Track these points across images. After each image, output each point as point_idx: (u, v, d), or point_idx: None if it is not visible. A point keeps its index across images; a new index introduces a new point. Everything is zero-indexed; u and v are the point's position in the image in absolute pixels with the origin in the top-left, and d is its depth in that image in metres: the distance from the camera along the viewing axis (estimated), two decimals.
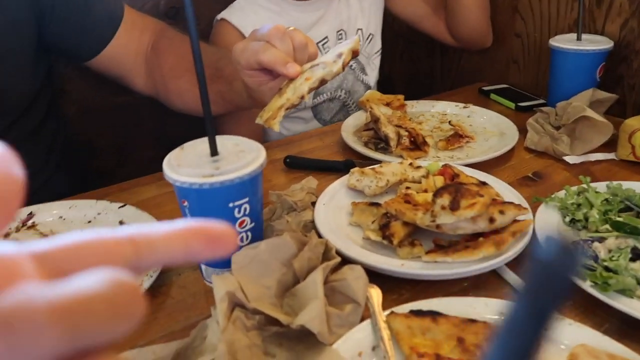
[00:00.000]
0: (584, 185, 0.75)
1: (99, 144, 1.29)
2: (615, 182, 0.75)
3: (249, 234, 0.59)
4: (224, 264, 0.60)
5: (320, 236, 0.66)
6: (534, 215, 0.69)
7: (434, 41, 1.39)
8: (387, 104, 1.09)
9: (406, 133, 0.94)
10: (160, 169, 0.91)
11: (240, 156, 0.57)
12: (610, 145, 0.91)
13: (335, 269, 0.58)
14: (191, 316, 0.60)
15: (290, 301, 0.55)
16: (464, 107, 1.12)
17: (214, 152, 0.57)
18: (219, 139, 0.58)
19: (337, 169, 0.89)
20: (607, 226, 0.67)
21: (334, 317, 0.52)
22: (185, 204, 0.57)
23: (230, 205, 0.55)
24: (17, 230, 0.74)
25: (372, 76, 1.27)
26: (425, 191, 0.73)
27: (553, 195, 0.74)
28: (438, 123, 1.08)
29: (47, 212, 0.76)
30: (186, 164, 0.56)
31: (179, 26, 1.33)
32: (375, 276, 0.60)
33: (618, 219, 0.65)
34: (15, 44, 0.80)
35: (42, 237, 0.72)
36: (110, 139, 1.30)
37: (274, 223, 0.68)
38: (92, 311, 0.16)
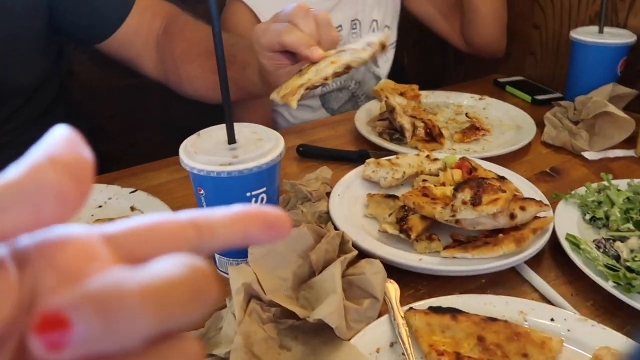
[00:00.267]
0: (605, 183, 0.73)
1: (107, 126, 1.27)
2: (637, 180, 0.74)
3: None
4: (238, 254, 0.59)
5: (336, 228, 0.65)
6: (553, 212, 0.68)
7: None
8: (401, 94, 1.07)
9: (422, 124, 0.92)
10: (169, 153, 0.90)
11: (258, 144, 0.56)
12: (629, 141, 0.89)
13: (352, 262, 0.57)
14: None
15: (306, 294, 0.54)
16: (480, 99, 1.10)
17: (231, 139, 0.56)
18: (236, 126, 0.57)
19: (350, 159, 0.88)
20: (629, 225, 0.65)
21: (351, 312, 0.51)
22: (202, 191, 0.55)
23: (248, 194, 0.54)
24: None
25: (384, 68, 1.25)
26: (443, 184, 0.71)
27: (573, 192, 0.72)
28: (453, 114, 1.06)
29: None
30: (203, 151, 0.54)
31: (190, 8, 1.31)
32: (391, 270, 0.58)
33: None
34: (28, 27, 0.78)
35: None
36: (119, 122, 1.29)
37: (288, 213, 0.67)
38: (178, 295, 0.17)
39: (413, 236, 0.62)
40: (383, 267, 0.55)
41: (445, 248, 0.61)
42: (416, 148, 0.89)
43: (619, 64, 1.01)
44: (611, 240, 0.63)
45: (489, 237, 0.62)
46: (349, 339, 0.49)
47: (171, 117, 1.28)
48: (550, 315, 0.52)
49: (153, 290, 0.16)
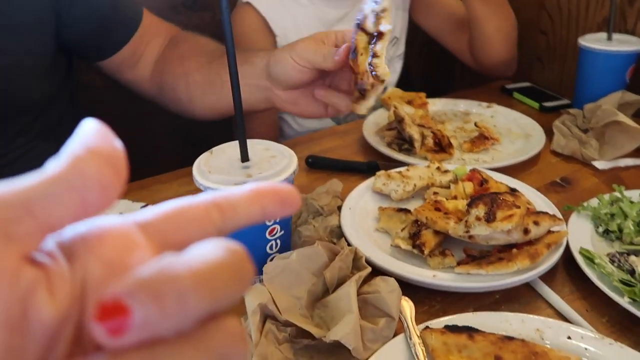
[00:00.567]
0: (617, 194, 0.73)
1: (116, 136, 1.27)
2: None
3: (279, 241, 0.58)
4: None
5: (348, 243, 0.65)
6: (566, 225, 0.68)
7: None
8: (409, 102, 1.07)
9: (430, 134, 0.92)
10: (176, 164, 0.90)
11: (271, 162, 0.56)
12: None
13: (366, 278, 0.57)
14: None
15: (321, 312, 0.54)
16: (487, 107, 1.10)
17: (244, 157, 0.56)
18: (249, 143, 0.57)
19: (360, 170, 0.88)
20: None
21: (367, 332, 0.51)
22: None
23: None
24: None
25: (390, 79, 1.25)
26: (455, 197, 0.71)
27: (585, 204, 0.72)
28: (461, 123, 1.06)
29: None
30: (216, 170, 0.54)
31: (197, 16, 1.31)
32: (405, 286, 0.58)
33: None
34: (36, 43, 0.78)
35: None
36: (123, 129, 1.28)
37: (300, 228, 0.66)
38: (224, 277, 0.18)
39: (426, 252, 0.62)
40: (398, 285, 0.54)
41: (458, 263, 0.61)
42: (425, 158, 0.89)
43: (628, 71, 1.00)
44: (625, 254, 0.63)
45: (503, 252, 0.62)
46: None
47: (179, 125, 1.28)
48: (567, 334, 0.52)
49: (202, 274, 0.17)
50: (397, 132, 0.94)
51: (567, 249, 0.64)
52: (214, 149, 0.59)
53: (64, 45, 0.84)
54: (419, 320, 0.54)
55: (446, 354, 0.49)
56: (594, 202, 0.73)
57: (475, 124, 0.98)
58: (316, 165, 0.90)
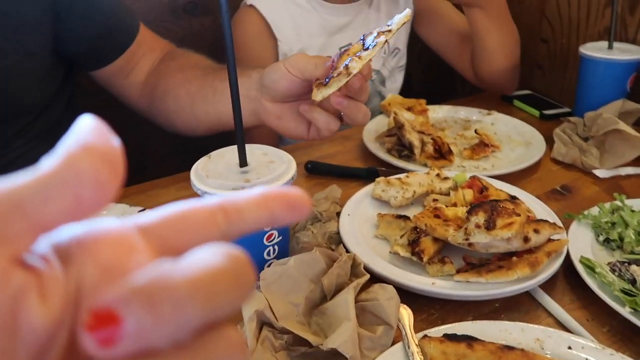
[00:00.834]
0: (618, 203, 0.72)
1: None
2: None
3: (276, 247, 0.57)
4: None
5: (347, 249, 0.64)
6: (566, 233, 0.67)
7: None
8: (409, 109, 1.07)
9: (430, 140, 0.92)
10: (174, 168, 0.90)
11: (270, 167, 0.55)
12: None
13: (365, 285, 0.56)
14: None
15: (318, 320, 0.53)
16: (488, 114, 1.10)
17: (243, 162, 0.55)
18: (247, 148, 0.56)
19: (359, 176, 0.87)
20: None
21: (365, 340, 0.50)
22: None
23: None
24: None
25: (391, 90, 1.24)
26: (455, 205, 0.71)
27: (586, 212, 0.71)
28: (461, 130, 1.06)
29: None
30: (214, 175, 0.54)
31: (197, 20, 1.31)
32: (404, 293, 0.58)
33: None
34: (36, 47, 0.78)
35: None
36: (121, 133, 1.28)
37: (299, 234, 0.66)
38: (222, 284, 0.17)
39: (425, 259, 0.61)
40: (396, 293, 0.54)
41: (458, 271, 0.61)
42: (425, 165, 0.89)
43: (629, 80, 1.00)
44: (626, 264, 0.62)
45: (503, 260, 0.61)
46: None
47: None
48: (568, 344, 0.51)
49: (199, 281, 0.16)
50: (397, 139, 0.94)
51: (568, 258, 0.64)
52: (212, 153, 0.59)
53: (61, 51, 0.84)
54: (417, 328, 0.54)
55: None
56: (594, 210, 0.72)
57: (476, 131, 0.97)
58: (315, 171, 0.89)
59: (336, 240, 0.68)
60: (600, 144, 0.90)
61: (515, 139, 1.01)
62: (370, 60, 0.62)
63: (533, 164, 0.90)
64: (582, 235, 0.69)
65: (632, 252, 0.66)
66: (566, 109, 1.13)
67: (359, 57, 0.61)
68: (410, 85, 1.55)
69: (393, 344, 0.52)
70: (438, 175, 0.79)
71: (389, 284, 0.55)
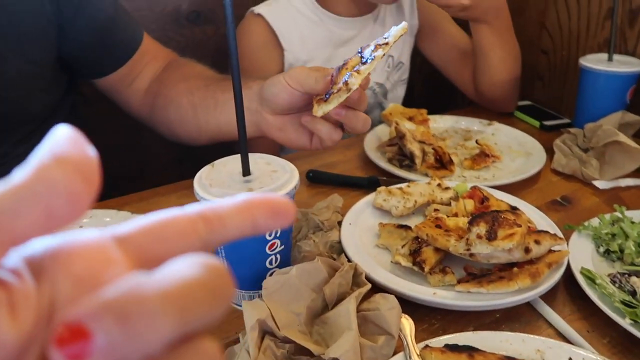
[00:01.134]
0: (618, 214, 0.73)
1: (112, 145, 1.27)
2: None
3: (279, 256, 0.58)
4: (249, 286, 0.59)
5: (348, 258, 0.64)
6: (567, 244, 0.67)
7: None
8: (410, 118, 1.07)
9: (431, 150, 0.92)
10: (176, 176, 0.90)
11: (273, 177, 0.55)
12: None
13: (366, 295, 0.56)
14: (215, 339, 0.58)
15: (320, 329, 0.53)
16: (488, 125, 1.10)
17: (246, 171, 0.55)
18: (251, 157, 0.57)
19: (360, 186, 0.88)
20: None
21: (367, 350, 0.50)
22: None
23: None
24: None
25: (392, 102, 1.25)
26: (456, 215, 0.71)
27: (586, 224, 0.72)
28: (462, 140, 1.06)
29: None
30: (218, 184, 0.54)
31: (199, 29, 1.32)
32: (405, 303, 0.58)
33: None
34: (38, 54, 0.78)
35: None
36: (123, 140, 1.29)
37: (300, 243, 0.66)
38: (196, 296, 0.17)
39: (427, 269, 0.62)
40: (398, 303, 0.54)
41: (459, 281, 0.61)
42: (426, 175, 0.89)
43: (629, 91, 1.01)
44: (627, 275, 0.63)
45: (504, 270, 0.61)
46: None
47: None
48: (568, 355, 0.51)
49: (172, 294, 0.16)
50: (398, 148, 0.94)
51: (568, 269, 0.64)
52: (216, 162, 0.59)
53: (65, 59, 0.85)
54: (418, 338, 0.54)
55: None
56: (594, 221, 0.72)
57: (477, 142, 0.98)
58: (317, 180, 0.89)
59: (338, 249, 0.68)
60: (600, 156, 0.91)
61: (516, 150, 1.01)
62: (369, 74, 0.62)
63: (533, 175, 0.90)
64: (583, 246, 0.69)
65: (632, 264, 0.66)
66: (566, 120, 1.13)
67: (358, 72, 0.61)
68: (411, 95, 1.56)
69: (394, 354, 0.52)
70: (439, 185, 0.79)
71: (390, 293, 0.55)
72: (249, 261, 0.57)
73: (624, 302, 0.58)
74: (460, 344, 0.51)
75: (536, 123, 1.14)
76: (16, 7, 0.74)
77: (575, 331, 0.57)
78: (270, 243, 0.56)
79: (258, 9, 1.08)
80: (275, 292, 0.53)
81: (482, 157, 0.94)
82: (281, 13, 1.08)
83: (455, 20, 1.21)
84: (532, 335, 0.54)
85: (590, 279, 0.61)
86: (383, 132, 1.05)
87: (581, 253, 0.68)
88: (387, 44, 0.62)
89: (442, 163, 0.91)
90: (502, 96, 1.15)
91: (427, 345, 0.51)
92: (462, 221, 0.66)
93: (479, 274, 0.63)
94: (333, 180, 0.89)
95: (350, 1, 1.10)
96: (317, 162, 0.98)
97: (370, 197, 0.79)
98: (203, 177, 0.56)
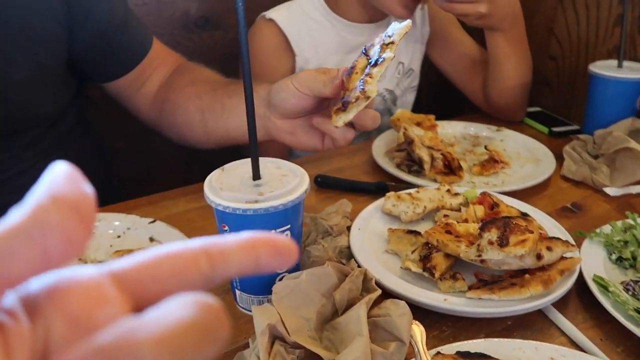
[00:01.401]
0: (630, 221, 0.72)
1: (121, 148, 1.28)
2: None
3: None
4: (259, 291, 0.58)
5: (358, 264, 0.64)
6: (579, 251, 0.67)
7: None
8: (418, 124, 1.07)
9: (440, 156, 0.92)
10: (185, 180, 0.90)
11: (283, 181, 0.55)
12: None
13: (376, 301, 0.56)
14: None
15: (330, 335, 0.53)
16: (497, 130, 1.10)
17: (256, 176, 0.55)
18: (261, 161, 0.56)
19: (369, 191, 0.87)
20: None
21: (377, 356, 0.49)
22: (226, 228, 0.55)
23: (273, 232, 0.53)
24: None
25: (401, 108, 1.25)
26: (466, 220, 0.70)
27: (598, 231, 0.71)
28: (470, 146, 1.06)
29: None
30: (228, 187, 0.54)
31: (208, 35, 1.32)
32: (415, 309, 0.57)
33: None
34: (49, 58, 0.79)
35: None
36: (132, 144, 1.29)
37: (309, 248, 0.66)
38: (190, 338, 0.17)
39: (437, 275, 0.61)
40: (409, 309, 0.53)
41: (469, 288, 0.60)
42: (434, 180, 0.89)
43: (638, 98, 1.00)
44: None
45: (515, 277, 0.61)
46: None
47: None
48: None
49: (164, 339, 0.16)
50: (406, 154, 0.94)
51: (580, 276, 0.63)
52: (226, 166, 0.59)
53: (74, 63, 0.85)
54: (429, 345, 0.53)
55: None
56: (606, 228, 0.72)
57: (486, 147, 0.98)
58: (325, 185, 0.89)
59: (347, 254, 0.68)
60: (611, 162, 0.90)
61: (525, 156, 1.01)
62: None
63: (543, 181, 0.90)
64: (595, 253, 0.69)
65: None
66: (575, 127, 1.13)
67: (370, 76, 0.61)
68: (419, 100, 1.56)
69: None
70: (448, 190, 0.79)
71: (401, 299, 0.55)
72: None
73: (637, 310, 0.57)
74: (472, 351, 0.51)
75: (545, 129, 1.13)
76: (28, 11, 0.74)
77: (588, 339, 0.56)
78: None
79: (269, 13, 1.08)
80: (285, 297, 0.53)
81: (491, 163, 0.94)
82: (292, 18, 1.09)
83: (464, 27, 1.21)
84: (545, 343, 0.53)
85: (603, 286, 0.61)
86: (391, 137, 1.05)
87: (593, 260, 0.67)
88: (393, 42, 0.61)
89: (451, 169, 0.91)
90: (512, 104, 1.14)
91: (438, 352, 0.51)
92: (473, 227, 0.66)
93: (490, 280, 0.62)
94: (341, 185, 0.89)
95: (362, 7, 1.10)
96: (325, 167, 0.98)
97: (379, 202, 0.78)
98: (213, 181, 0.55)
